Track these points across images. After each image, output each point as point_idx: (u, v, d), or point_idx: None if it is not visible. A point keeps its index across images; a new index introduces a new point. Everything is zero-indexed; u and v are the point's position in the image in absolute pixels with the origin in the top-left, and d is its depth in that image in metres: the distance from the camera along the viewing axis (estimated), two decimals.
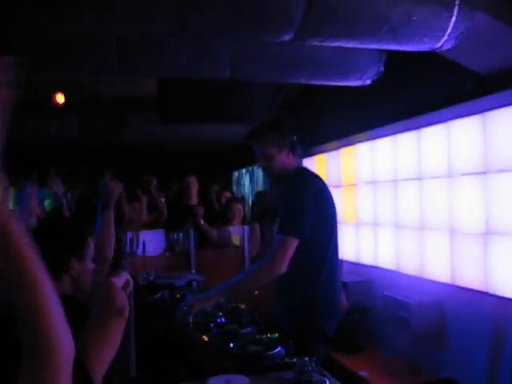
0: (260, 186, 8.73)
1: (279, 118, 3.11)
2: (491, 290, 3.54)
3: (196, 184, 5.96)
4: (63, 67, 3.64)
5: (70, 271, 2.08)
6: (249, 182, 9.64)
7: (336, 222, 3.06)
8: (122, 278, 1.67)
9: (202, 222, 5.64)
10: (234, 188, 10.46)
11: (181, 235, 5.44)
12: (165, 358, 2.54)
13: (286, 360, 2.29)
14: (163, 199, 6.17)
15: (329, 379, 2.04)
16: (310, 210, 2.85)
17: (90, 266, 2.19)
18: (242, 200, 6.86)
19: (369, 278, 5.18)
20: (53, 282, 1.80)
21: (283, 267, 2.79)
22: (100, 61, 3.54)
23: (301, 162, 3.13)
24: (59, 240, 2.10)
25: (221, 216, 6.10)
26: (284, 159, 3.01)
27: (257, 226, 5.67)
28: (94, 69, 3.66)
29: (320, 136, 5.97)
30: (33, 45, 3.41)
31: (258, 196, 7.41)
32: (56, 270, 2.00)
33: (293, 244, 2.80)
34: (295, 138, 3.04)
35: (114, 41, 3.43)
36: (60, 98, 6.36)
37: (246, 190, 9.77)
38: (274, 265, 2.81)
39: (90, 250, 2.20)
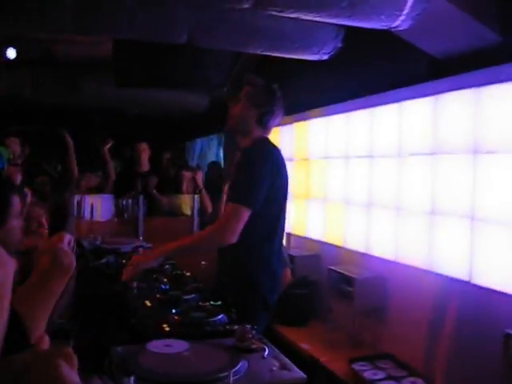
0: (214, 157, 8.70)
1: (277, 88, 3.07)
2: (433, 269, 3.63)
3: (147, 151, 5.89)
4: (16, 19, 3.52)
5: None
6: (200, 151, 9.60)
7: (287, 195, 3.06)
8: (65, 239, 1.65)
9: (154, 191, 5.60)
10: (189, 158, 10.38)
11: (130, 201, 5.39)
12: (106, 321, 2.52)
13: (227, 327, 2.31)
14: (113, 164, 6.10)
15: (268, 347, 2.06)
16: (266, 181, 2.83)
17: (16, 223, 2.11)
18: (197, 169, 6.79)
19: (316, 253, 5.25)
20: None
21: (234, 237, 2.77)
22: (54, 16, 3.44)
23: (266, 135, 3.10)
24: None
25: (173, 184, 6.07)
26: (245, 114, 2.99)
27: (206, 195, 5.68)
28: (47, 23, 3.55)
29: None
30: None
31: (211, 166, 7.40)
32: None
33: (245, 214, 2.77)
34: (266, 110, 3.01)
35: None
36: (11, 53, 6.13)
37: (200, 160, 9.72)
38: (225, 233, 2.78)
39: (15, 208, 2.10)
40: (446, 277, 3.50)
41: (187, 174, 5.95)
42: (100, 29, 3.72)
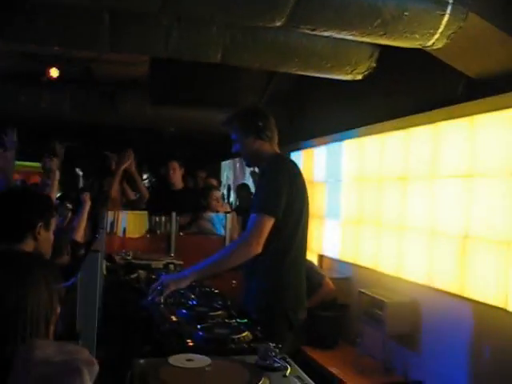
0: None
1: (257, 105, 3.13)
2: (468, 295, 3.54)
3: (178, 169, 5.90)
4: (56, 38, 3.62)
5: (35, 235, 2.23)
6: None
7: (306, 210, 3.03)
8: None
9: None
10: (222, 177, 10.44)
11: (163, 218, 5.42)
12: (131, 334, 2.52)
13: (251, 345, 2.28)
14: (146, 181, 6.15)
15: (291, 367, 2.02)
16: (284, 192, 2.84)
17: (52, 237, 2.38)
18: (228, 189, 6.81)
19: (348, 276, 5.19)
20: (15, 241, 1.86)
21: (259, 247, 2.77)
22: (93, 34, 3.52)
23: (276, 148, 3.11)
24: (31, 204, 2.31)
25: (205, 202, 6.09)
26: (252, 144, 3.01)
27: (235, 216, 5.68)
28: (85, 42, 3.63)
29: (308, 130, 5.97)
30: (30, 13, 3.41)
31: (240, 188, 7.43)
32: (22, 230, 2.18)
33: (268, 223, 2.77)
34: (261, 123, 3.02)
35: (107, 15, 3.40)
36: (54, 72, 6.32)
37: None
38: (250, 244, 2.78)
39: (54, 222, 2.40)
40: (482, 303, 3.41)
41: (215, 194, 5.97)
42: (136, 47, 3.79)
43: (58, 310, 1.46)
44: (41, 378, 1.14)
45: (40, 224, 2.27)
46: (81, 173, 7.60)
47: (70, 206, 4.62)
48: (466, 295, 3.55)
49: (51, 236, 2.38)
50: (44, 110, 6.68)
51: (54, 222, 2.42)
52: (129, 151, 5.56)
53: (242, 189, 7.49)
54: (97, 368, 1.23)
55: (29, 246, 2.21)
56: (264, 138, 3.03)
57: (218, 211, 5.86)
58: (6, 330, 1.30)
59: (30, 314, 1.34)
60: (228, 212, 5.83)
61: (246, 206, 5.74)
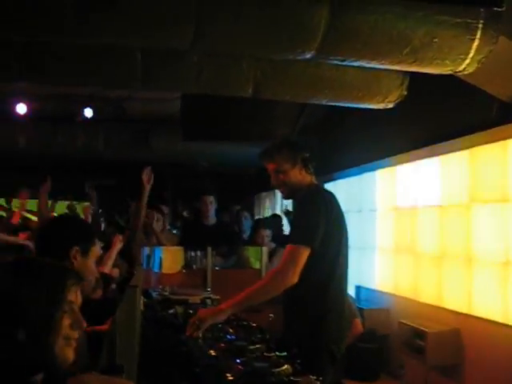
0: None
1: (292, 137, 3.13)
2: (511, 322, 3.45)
3: (210, 203, 5.89)
4: (89, 78, 3.71)
5: (71, 258, 2.25)
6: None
7: (345, 241, 3.00)
8: None
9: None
10: (256, 210, 10.45)
11: (198, 253, 5.42)
12: (170, 369, 2.51)
13: (291, 378, 2.24)
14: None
15: None
16: (322, 223, 2.82)
17: (93, 265, 2.38)
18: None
19: (386, 306, 5.10)
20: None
21: (295, 277, 2.73)
22: (125, 73, 3.60)
23: (314, 180, 3.11)
24: (69, 229, 2.38)
25: (239, 237, 6.09)
26: (297, 176, 3.00)
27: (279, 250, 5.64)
28: (118, 81, 3.72)
29: (341, 161, 5.97)
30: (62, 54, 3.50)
31: (275, 219, 7.38)
32: (58, 253, 2.18)
33: (304, 253, 2.75)
34: (308, 154, 3.03)
35: (139, 54, 3.48)
36: (88, 113, 6.49)
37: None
38: (286, 274, 2.75)
39: (95, 251, 2.40)
40: None
41: (265, 232, 5.92)
42: (168, 84, 3.86)
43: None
44: None
45: (76, 248, 2.29)
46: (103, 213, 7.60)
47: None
48: (509, 323, 3.45)
49: (92, 265, 2.38)
50: (79, 149, 6.84)
51: (94, 252, 2.41)
52: (148, 169, 5.24)
53: (273, 220, 7.45)
54: None
55: None
56: (309, 170, 3.04)
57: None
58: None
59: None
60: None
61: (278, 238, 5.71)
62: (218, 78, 3.74)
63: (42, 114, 6.58)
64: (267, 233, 5.88)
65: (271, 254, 5.40)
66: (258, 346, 2.71)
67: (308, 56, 2.85)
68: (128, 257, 4.60)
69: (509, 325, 3.47)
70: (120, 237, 4.44)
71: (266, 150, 3.11)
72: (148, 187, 5.16)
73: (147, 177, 5.10)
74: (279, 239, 5.69)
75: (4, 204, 7.14)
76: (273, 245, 5.75)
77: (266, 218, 7.51)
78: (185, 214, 9.46)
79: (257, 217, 9.52)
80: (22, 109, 6.36)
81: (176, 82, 3.76)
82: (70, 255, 2.27)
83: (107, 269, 3.88)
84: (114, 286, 3.84)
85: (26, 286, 1.35)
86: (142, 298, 3.57)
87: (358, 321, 4.89)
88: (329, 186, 6.12)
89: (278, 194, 8.72)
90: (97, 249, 2.44)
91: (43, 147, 6.86)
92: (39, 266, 1.47)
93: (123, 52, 3.53)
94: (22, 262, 1.53)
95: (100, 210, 7.17)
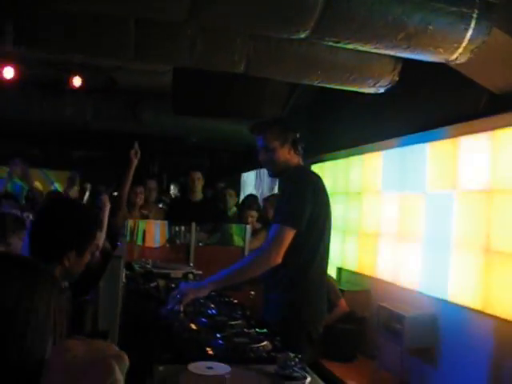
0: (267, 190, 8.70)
1: (284, 116, 3.13)
2: (488, 310, 3.51)
3: (200, 180, 5.91)
4: (80, 47, 3.67)
5: (64, 261, 2.12)
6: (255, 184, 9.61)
7: (329, 224, 3.02)
8: None
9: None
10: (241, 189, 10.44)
11: (183, 228, 5.43)
12: (150, 341, 2.53)
13: (270, 354, 2.27)
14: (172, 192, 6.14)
15: (311, 377, 2.02)
16: (308, 205, 2.83)
17: (86, 259, 2.24)
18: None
19: (367, 289, 5.16)
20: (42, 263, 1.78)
21: (279, 257, 2.76)
22: (117, 43, 3.56)
23: (301, 162, 3.12)
24: (68, 233, 2.16)
25: (224, 214, 6.11)
26: (285, 155, 3.01)
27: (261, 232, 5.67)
28: (111, 51, 3.68)
29: (329, 143, 5.98)
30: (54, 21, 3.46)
31: (267, 200, 7.36)
32: (52, 257, 2.08)
33: (289, 234, 2.77)
34: (298, 135, 3.04)
35: (133, 24, 3.45)
36: (77, 81, 6.41)
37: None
38: (270, 254, 2.78)
39: (94, 245, 2.33)
40: (503, 320, 3.37)
41: (252, 213, 5.93)
42: (161, 57, 3.83)
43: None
44: (74, 377, 1.16)
45: (72, 252, 2.15)
46: (89, 185, 7.55)
47: None
48: (487, 311, 3.51)
49: (85, 260, 2.24)
50: (67, 118, 6.77)
51: (92, 246, 2.28)
52: (136, 146, 5.25)
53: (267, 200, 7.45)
54: (127, 361, 1.24)
55: (56, 270, 2.11)
56: (298, 151, 3.04)
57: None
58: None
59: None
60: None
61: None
62: (211, 52, 3.73)
63: (29, 80, 6.49)
64: (255, 214, 5.90)
65: (253, 234, 5.43)
66: (238, 321, 2.74)
67: (303, 35, 2.84)
68: (109, 231, 4.59)
69: (486, 312, 3.53)
70: (107, 196, 4.43)
71: (257, 124, 3.12)
72: (135, 162, 5.17)
73: (135, 152, 5.12)
74: (264, 220, 5.71)
75: None
76: (258, 225, 5.78)
77: (253, 196, 7.49)
78: (172, 189, 9.44)
79: (243, 196, 9.52)
80: (9, 73, 6.25)
81: (169, 55, 3.73)
82: (64, 259, 2.14)
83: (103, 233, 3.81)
84: (97, 253, 3.84)
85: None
86: (125, 270, 3.58)
87: (343, 301, 4.97)
88: (316, 168, 6.15)
89: (265, 173, 8.73)
90: (95, 242, 2.31)
91: (30, 114, 6.77)
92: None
93: (116, 21, 3.50)
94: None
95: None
